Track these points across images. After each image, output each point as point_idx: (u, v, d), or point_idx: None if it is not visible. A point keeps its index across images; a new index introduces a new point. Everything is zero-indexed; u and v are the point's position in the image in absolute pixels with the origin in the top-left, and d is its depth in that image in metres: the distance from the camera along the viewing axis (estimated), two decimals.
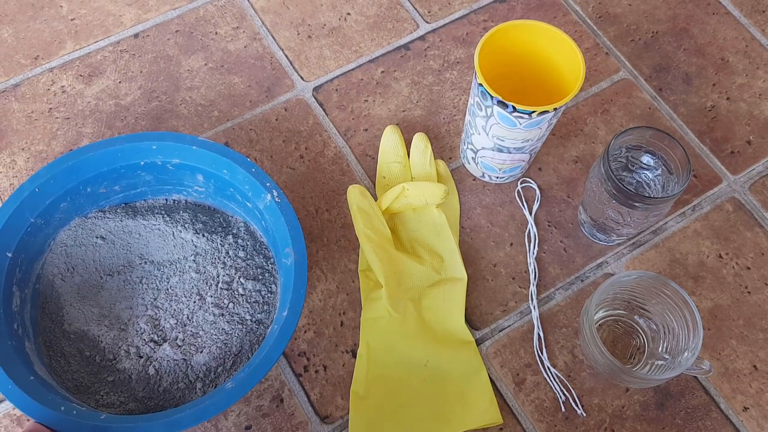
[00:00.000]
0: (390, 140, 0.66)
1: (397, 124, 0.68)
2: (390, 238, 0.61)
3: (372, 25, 0.75)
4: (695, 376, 0.58)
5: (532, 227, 0.64)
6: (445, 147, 0.68)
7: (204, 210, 0.62)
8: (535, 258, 0.63)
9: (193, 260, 0.59)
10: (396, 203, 0.62)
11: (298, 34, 0.74)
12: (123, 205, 0.62)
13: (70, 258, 0.59)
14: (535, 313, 0.60)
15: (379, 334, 0.59)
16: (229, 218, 0.62)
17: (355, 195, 0.61)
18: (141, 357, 0.55)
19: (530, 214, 0.65)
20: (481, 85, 0.53)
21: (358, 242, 0.63)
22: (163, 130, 0.68)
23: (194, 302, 0.57)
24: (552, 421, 0.57)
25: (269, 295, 0.58)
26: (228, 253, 0.59)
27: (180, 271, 0.59)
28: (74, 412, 0.48)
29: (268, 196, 0.56)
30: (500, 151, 0.59)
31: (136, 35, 0.73)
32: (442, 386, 0.57)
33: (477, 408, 0.56)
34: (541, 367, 0.59)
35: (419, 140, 0.66)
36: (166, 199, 0.63)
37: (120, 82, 0.71)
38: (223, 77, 0.71)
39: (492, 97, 0.53)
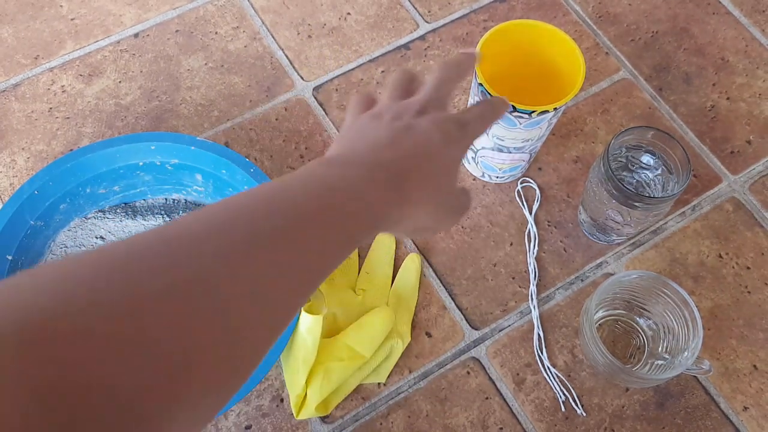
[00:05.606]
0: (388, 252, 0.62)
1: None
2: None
3: (372, 25, 0.75)
4: (695, 376, 0.58)
5: (532, 227, 0.64)
6: None
7: None
8: (535, 258, 0.63)
9: None
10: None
11: (298, 33, 0.74)
12: (122, 205, 0.62)
13: None
14: (535, 313, 0.60)
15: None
16: None
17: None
18: None
19: (530, 213, 0.65)
20: (481, 84, 0.53)
21: None
22: (163, 130, 0.68)
23: None
24: (552, 421, 0.57)
25: None
26: None
27: None
28: None
29: None
30: (500, 150, 0.59)
31: (136, 35, 0.73)
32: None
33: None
34: (541, 366, 0.59)
35: (412, 262, 0.62)
36: (166, 199, 0.63)
37: (120, 81, 0.71)
38: (223, 77, 0.71)
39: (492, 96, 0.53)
